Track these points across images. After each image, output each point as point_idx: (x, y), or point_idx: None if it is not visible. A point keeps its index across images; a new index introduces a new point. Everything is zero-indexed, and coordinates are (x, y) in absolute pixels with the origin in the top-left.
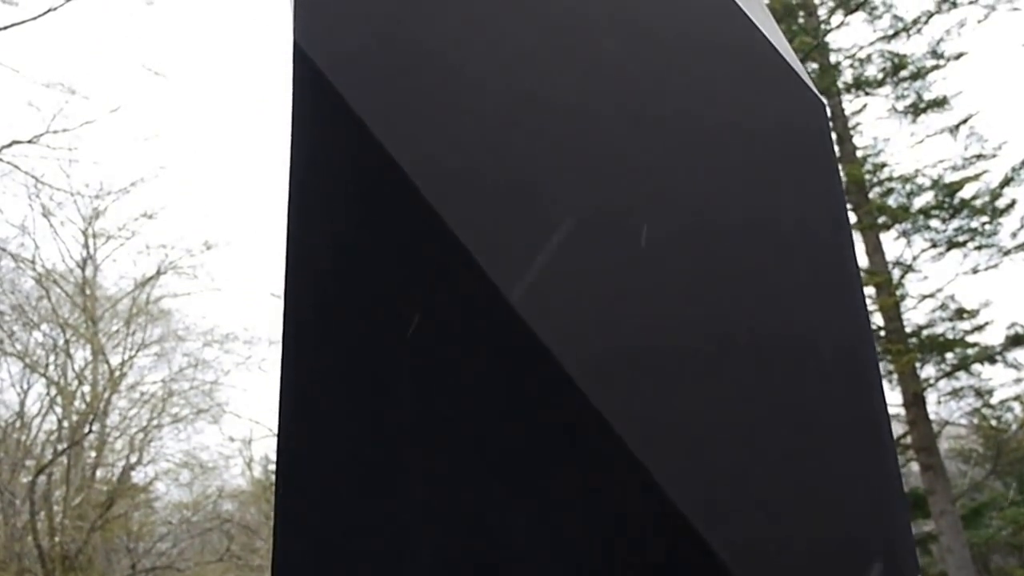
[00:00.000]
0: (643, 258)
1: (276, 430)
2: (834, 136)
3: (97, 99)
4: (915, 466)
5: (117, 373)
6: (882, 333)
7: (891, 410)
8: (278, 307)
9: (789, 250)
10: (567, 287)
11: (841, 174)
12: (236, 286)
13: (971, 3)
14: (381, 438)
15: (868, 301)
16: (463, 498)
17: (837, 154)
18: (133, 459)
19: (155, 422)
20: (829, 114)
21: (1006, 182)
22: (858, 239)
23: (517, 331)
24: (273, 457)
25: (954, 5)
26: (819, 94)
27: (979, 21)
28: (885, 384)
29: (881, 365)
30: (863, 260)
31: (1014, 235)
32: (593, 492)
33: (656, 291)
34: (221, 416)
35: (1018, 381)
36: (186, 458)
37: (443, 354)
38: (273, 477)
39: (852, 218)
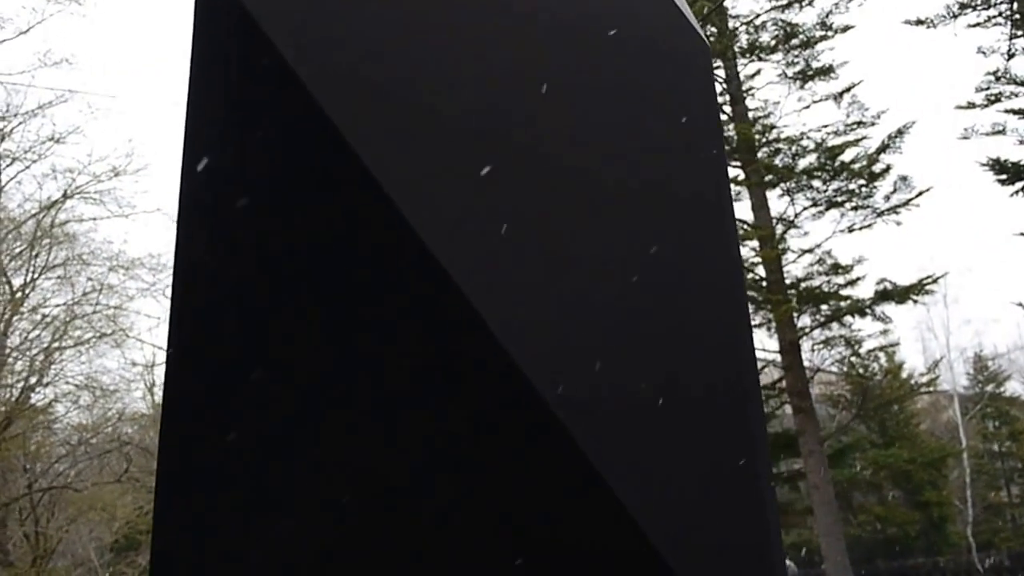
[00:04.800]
0: (539, 196)
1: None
2: (728, 96)
3: (6, 19)
4: (788, 408)
5: (19, 294)
6: (764, 284)
7: (769, 356)
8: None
9: (673, 200)
10: (475, 226)
11: (721, 112)
12: (146, 213)
13: None
14: (265, 373)
15: (752, 253)
16: (336, 420)
17: (722, 102)
18: (33, 380)
19: (56, 344)
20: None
21: (883, 149)
22: (746, 195)
23: (413, 250)
24: None
25: None
26: (704, 37)
27: None
28: (765, 332)
29: (761, 314)
30: (749, 215)
31: (887, 198)
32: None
33: (550, 232)
34: (124, 341)
35: (884, 333)
36: (87, 381)
37: (326, 266)
38: None
39: (741, 175)
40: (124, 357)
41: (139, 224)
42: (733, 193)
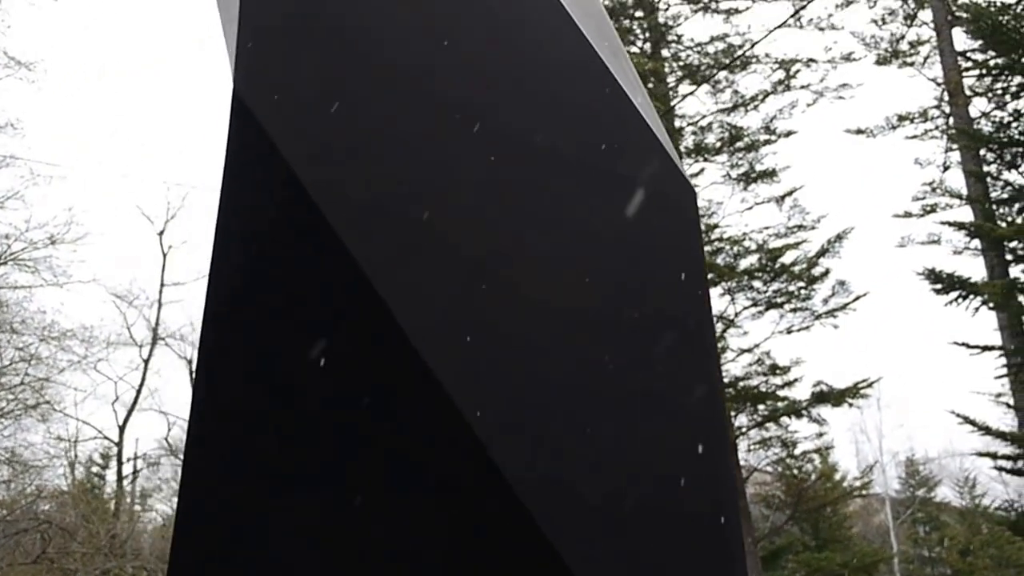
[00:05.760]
0: (525, 311)
1: (185, 433)
2: None
3: None
4: None
5: None
6: None
7: None
8: (119, 308)
9: (657, 329)
10: (462, 322)
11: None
12: (81, 283)
13: (802, 88)
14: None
15: None
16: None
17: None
18: None
19: None
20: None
21: (822, 253)
22: None
23: (400, 350)
24: (97, 459)
25: (788, 88)
26: (690, 180)
27: (808, 105)
28: None
29: None
30: None
31: (825, 301)
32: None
33: (541, 351)
34: (50, 414)
35: (819, 435)
36: (8, 455)
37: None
38: (96, 479)
39: None
40: (49, 432)
41: (74, 294)
42: None
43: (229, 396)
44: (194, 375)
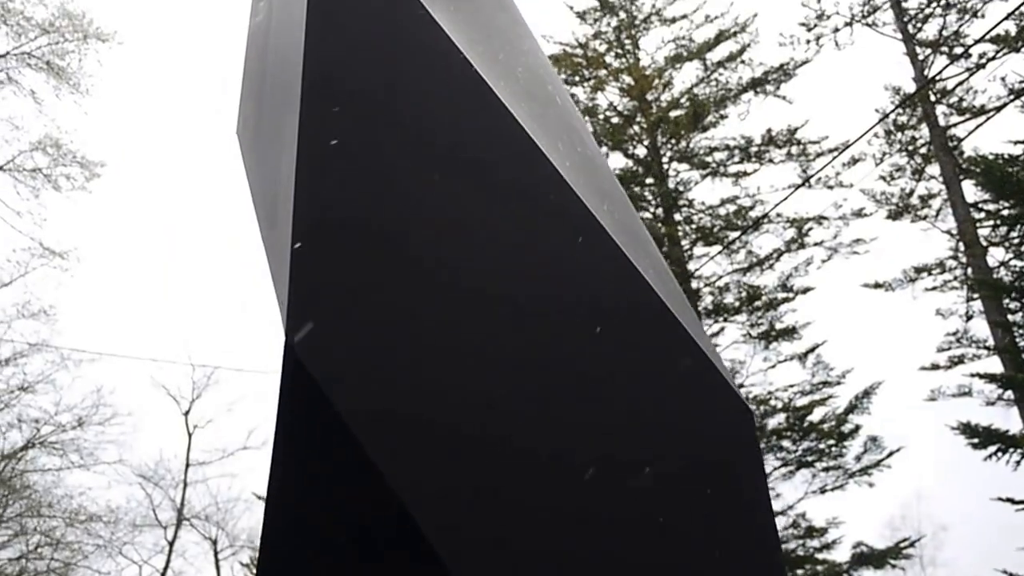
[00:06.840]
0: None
1: None
2: None
3: None
4: None
5: None
6: None
7: None
8: (145, 489)
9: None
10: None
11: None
12: (107, 464)
13: (816, 245)
14: None
15: None
16: None
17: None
18: None
19: None
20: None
21: (851, 409)
22: None
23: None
24: None
25: (802, 246)
26: (747, 403)
27: (823, 261)
28: None
29: None
30: None
31: (858, 458)
32: None
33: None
34: None
35: None
36: None
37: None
38: None
39: None
40: None
41: (99, 476)
42: None
43: None
44: None
